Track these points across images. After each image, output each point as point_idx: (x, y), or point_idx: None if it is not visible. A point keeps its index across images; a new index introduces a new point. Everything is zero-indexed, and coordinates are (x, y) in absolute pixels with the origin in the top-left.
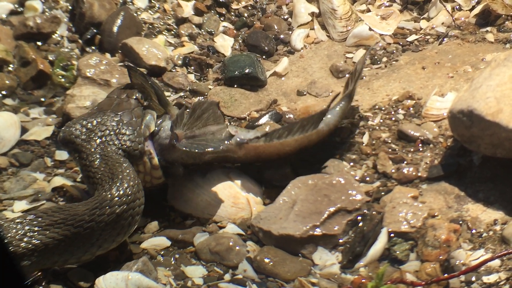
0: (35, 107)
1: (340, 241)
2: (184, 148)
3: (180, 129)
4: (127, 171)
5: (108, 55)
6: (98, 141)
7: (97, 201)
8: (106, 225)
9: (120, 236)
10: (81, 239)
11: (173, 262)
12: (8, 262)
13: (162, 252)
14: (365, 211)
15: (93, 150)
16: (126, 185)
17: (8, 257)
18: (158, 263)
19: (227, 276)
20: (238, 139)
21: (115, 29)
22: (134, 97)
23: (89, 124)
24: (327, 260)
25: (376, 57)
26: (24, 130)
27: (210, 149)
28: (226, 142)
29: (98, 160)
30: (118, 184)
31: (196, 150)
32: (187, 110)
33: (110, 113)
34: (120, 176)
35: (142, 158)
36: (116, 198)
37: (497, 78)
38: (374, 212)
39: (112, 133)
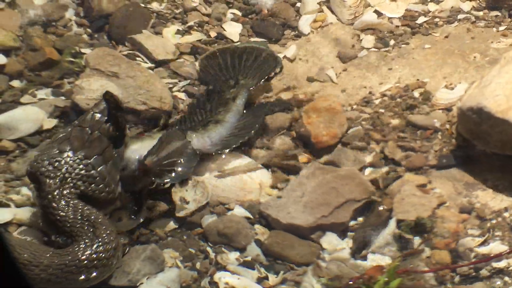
0: (42, 88)
1: (350, 225)
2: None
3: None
4: (108, 230)
5: (116, 46)
6: (68, 185)
7: (68, 258)
8: (67, 281)
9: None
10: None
11: (181, 244)
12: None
13: (170, 234)
14: (373, 201)
15: (62, 194)
16: (102, 248)
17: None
18: (166, 244)
19: (235, 258)
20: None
21: (123, 21)
22: (107, 134)
23: (57, 163)
24: (337, 245)
25: (384, 39)
26: None
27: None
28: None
29: (71, 208)
30: (95, 246)
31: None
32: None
33: (81, 152)
34: (100, 237)
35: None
36: (87, 262)
37: (507, 76)
38: (382, 208)
39: (83, 180)
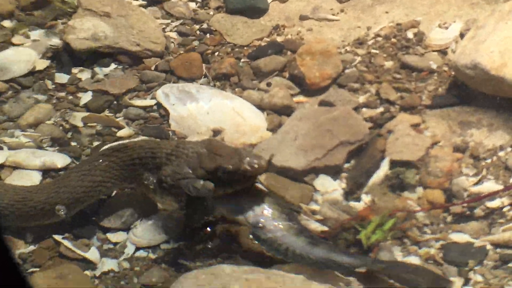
0: (36, 29)
1: (344, 167)
2: None
3: None
4: None
5: None
6: None
7: None
8: None
9: None
10: None
11: None
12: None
13: None
14: (367, 143)
15: None
16: None
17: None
18: None
19: None
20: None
21: None
22: None
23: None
24: (330, 186)
25: None
26: None
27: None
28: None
29: None
30: None
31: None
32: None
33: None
34: None
35: None
36: None
37: (501, 33)
38: (375, 149)
39: None
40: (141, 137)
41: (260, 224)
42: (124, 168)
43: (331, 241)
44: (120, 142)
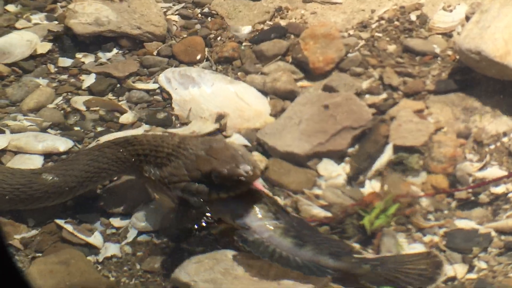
0: (37, 13)
1: (347, 152)
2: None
3: None
4: None
5: None
6: None
7: None
8: None
9: None
10: None
11: None
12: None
13: None
14: (370, 128)
15: None
16: None
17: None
18: None
19: None
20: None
21: None
22: None
23: None
24: (333, 171)
25: None
26: None
27: None
28: None
29: None
30: None
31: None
32: None
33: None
34: None
35: None
36: None
37: (506, 19)
38: (379, 135)
39: None
40: (145, 126)
41: (246, 226)
42: (129, 160)
43: (335, 226)
44: (130, 135)
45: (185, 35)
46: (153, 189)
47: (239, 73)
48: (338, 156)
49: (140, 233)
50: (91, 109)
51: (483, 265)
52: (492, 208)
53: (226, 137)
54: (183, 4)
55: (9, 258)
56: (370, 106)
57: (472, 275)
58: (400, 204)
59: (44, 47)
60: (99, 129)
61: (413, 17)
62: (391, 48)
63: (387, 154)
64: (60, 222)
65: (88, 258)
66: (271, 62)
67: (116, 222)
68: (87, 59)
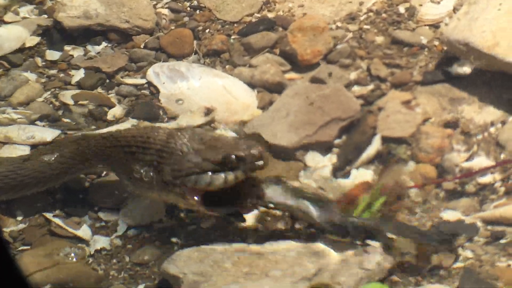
0: (26, 5)
1: (335, 143)
2: None
3: None
4: None
5: None
6: None
7: None
8: None
9: None
10: None
11: None
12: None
13: None
14: (358, 119)
15: None
16: None
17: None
18: None
19: None
20: None
21: None
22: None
23: None
24: (319, 162)
25: None
26: None
27: None
28: None
29: None
30: None
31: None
32: None
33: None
34: None
35: None
36: None
37: (494, 11)
38: (367, 125)
39: None
40: (132, 121)
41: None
42: (118, 156)
43: None
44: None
45: (173, 28)
46: (152, 193)
47: (227, 66)
48: (326, 148)
49: (129, 227)
50: (80, 103)
51: (469, 254)
52: (479, 198)
53: (214, 129)
54: None
55: (4, 249)
56: (358, 97)
57: (459, 264)
58: (388, 197)
59: (33, 41)
60: (86, 122)
61: (401, 9)
62: (379, 39)
63: (375, 145)
64: (48, 215)
65: (76, 251)
66: (259, 54)
67: (104, 215)
68: (76, 53)
